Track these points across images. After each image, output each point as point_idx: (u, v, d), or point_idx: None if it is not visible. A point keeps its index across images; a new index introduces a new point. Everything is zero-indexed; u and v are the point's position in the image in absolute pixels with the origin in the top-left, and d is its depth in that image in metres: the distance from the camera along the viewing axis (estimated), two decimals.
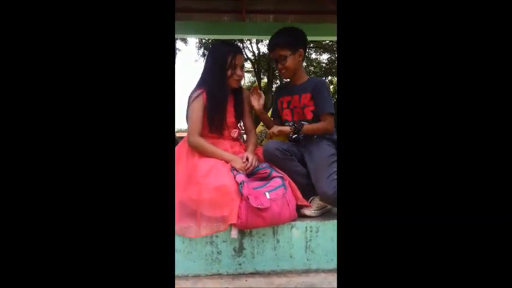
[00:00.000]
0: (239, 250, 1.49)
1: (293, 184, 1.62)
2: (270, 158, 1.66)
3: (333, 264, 1.53)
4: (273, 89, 16.55)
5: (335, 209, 1.73)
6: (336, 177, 1.56)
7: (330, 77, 15.74)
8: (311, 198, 1.65)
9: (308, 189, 1.66)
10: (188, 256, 1.46)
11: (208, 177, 1.49)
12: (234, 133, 1.80)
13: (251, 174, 1.61)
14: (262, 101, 1.83)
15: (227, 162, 1.59)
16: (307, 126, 1.70)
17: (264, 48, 15.04)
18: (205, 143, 1.65)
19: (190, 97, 1.70)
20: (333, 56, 13.82)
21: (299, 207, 1.61)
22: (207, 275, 1.47)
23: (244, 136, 1.97)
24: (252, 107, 1.84)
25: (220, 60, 1.68)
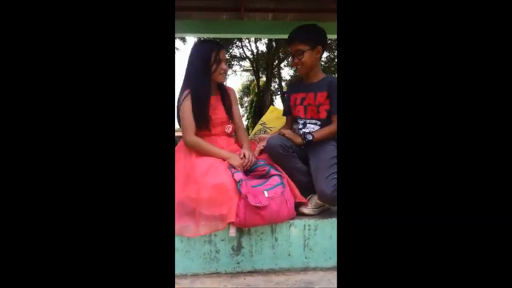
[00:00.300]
0: (237, 249, 1.49)
1: (291, 182, 1.62)
2: (272, 153, 1.66)
3: (332, 262, 1.53)
4: (272, 88, 16.58)
5: (334, 208, 1.73)
6: (335, 177, 1.56)
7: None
8: (309, 196, 1.65)
9: (307, 187, 1.66)
10: (186, 255, 1.46)
11: (206, 175, 1.49)
12: (228, 128, 1.80)
13: (249, 171, 1.61)
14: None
15: (224, 160, 1.59)
16: (317, 135, 1.69)
17: (262, 47, 15.04)
18: (202, 142, 1.65)
19: (178, 100, 1.72)
20: (331, 54, 13.82)
21: (298, 206, 1.61)
22: (206, 274, 1.47)
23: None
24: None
25: (205, 57, 1.69)
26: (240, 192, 1.41)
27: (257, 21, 4.45)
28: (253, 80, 18.59)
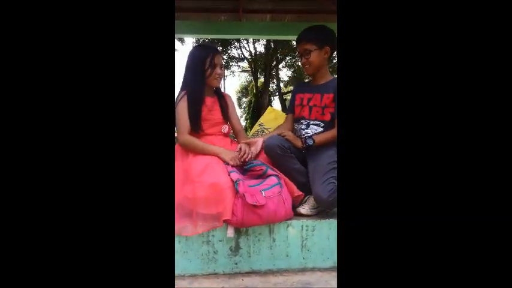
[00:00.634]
0: (235, 249, 1.49)
1: (289, 182, 1.62)
2: (270, 154, 1.66)
3: (329, 262, 1.53)
4: (270, 88, 16.59)
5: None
6: (333, 181, 1.56)
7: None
8: (307, 197, 1.66)
9: (305, 188, 1.66)
10: (184, 256, 1.46)
11: (202, 175, 1.50)
12: (224, 128, 1.83)
13: (246, 171, 1.61)
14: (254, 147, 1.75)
15: (216, 155, 1.61)
16: (318, 139, 1.68)
17: (261, 48, 15.06)
18: (194, 140, 1.68)
19: (176, 100, 1.76)
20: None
21: (295, 206, 1.62)
22: (204, 275, 1.47)
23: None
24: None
25: (200, 62, 1.74)
26: (237, 192, 1.41)
27: (255, 22, 4.46)
28: (252, 81, 18.60)
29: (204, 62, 1.73)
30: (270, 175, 1.57)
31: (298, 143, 1.68)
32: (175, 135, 1.73)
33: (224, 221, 1.41)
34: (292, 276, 1.46)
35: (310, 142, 1.66)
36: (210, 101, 1.79)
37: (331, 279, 1.42)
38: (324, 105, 1.76)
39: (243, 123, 18.18)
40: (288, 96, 17.44)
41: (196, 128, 1.73)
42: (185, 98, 1.73)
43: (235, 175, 1.48)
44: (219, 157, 1.61)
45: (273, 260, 1.51)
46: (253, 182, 1.54)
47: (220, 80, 1.82)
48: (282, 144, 1.63)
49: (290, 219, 1.54)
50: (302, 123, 1.83)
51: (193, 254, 1.47)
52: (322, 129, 1.77)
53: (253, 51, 15.11)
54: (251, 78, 18.28)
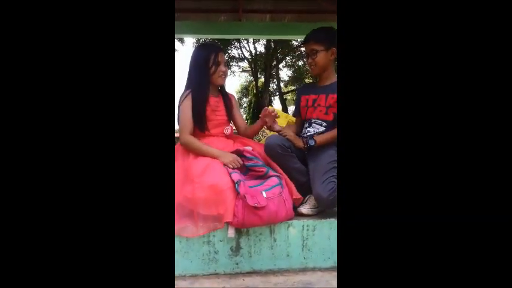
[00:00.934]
0: (236, 249, 1.49)
1: (289, 182, 1.62)
2: (270, 153, 1.66)
3: (330, 262, 1.53)
4: (270, 88, 16.58)
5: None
6: (333, 180, 1.56)
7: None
8: (307, 197, 1.66)
9: (305, 188, 1.67)
10: (185, 256, 1.46)
11: (203, 176, 1.50)
12: (227, 130, 1.83)
13: (247, 171, 1.61)
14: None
15: (215, 158, 1.60)
16: (320, 139, 1.69)
17: (261, 48, 15.05)
18: (195, 141, 1.67)
19: (179, 99, 1.76)
20: None
21: (296, 206, 1.62)
22: (204, 275, 1.47)
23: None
24: (274, 130, 1.78)
25: (204, 61, 1.74)
26: (238, 193, 1.41)
27: (255, 23, 4.46)
28: (252, 81, 18.60)
29: (208, 60, 1.73)
30: (271, 176, 1.57)
31: (300, 143, 1.68)
32: (177, 134, 1.73)
33: (225, 222, 1.41)
34: (293, 276, 1.47)
35: (312, 143, 1.66)
36: (214, 101, 1.78)
37: (332, 279, 1.42)
38: (329, 105, 1.77)
39: None
40: (288, 96, 17.45)
41: (201, 127, 1.72)
42: (189, 97, 1.72)
43: (236, 176, 1.48)
44: (218, 160, 1.61)
45: (274, 260, 1.51)
46: (254, 182, 1.54)
47: (225, 77, 1.82)
48: (282, 144, 1.63)
49: (291, 219, 1.54)
50: (306, 122, 1.85)
51: (194, 254, 1.47)
52: (324, 128, 1.77)
53: (253, 51, 15.11)
54: (251, 78, 18.28)
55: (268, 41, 13.11)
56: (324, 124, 1.78)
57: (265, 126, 1.84)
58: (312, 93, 1.86)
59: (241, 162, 1.61)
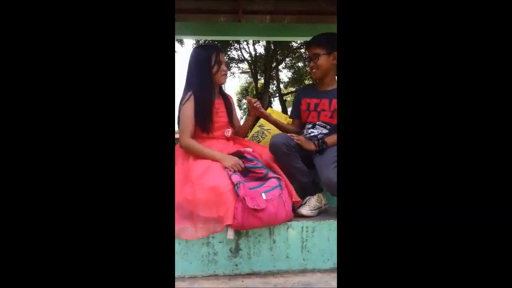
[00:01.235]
0: (235, 251, 1.49)
1: (289, 184, 1.62)
2: (275, 152, 1.66)
3: (330, 264, 1.53)
4: (270, 90, 16.58)
5: (331, 209, 1.73)
6: None
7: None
8: (307, 198, 1.66)
9: (307, 188, 1.67)
10: (185, 257, 1.46)
11: (203, 178, 1.50)
12: (228, 132, 1.82)
13: (247, 172, 1.61)
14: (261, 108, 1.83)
15: (217, 161, 1.60)
16: (330, 141, 1.71)
17: (260, 49, 15.07)
18: (195, 144, 1.66)
19: (180, 102, 1.74)
20: None
21: (296, 207, 1.61)
22: (204, 276, 1.47)
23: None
24: (262, 116, 1.85)
25: (205, 61, 1.72)
26: (238, 195, 1.41)
27: (255, 24, 4.46)
28: (252, 82, 18.61)
29: (210, 60, 1.71)
30: (271, 177, 1.56)
31: (311, 146, 1.70)
32: (177, 136, 1.72)
33: (225, 225, 1.41)
34: (293, 277, 1.46)
35: (324, 146, 1.69)
36: (216, 103, 1.78)
37: (332, 280, 1.41)
38: (334, 110, 1.80)
39: None
40: (288, 98, 17.45)
41: (205, 129, 1.71)
42: (191, 98, 1.69)
43: (236, 177, 1.48)
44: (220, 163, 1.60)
45: (273, 261, 1.51)
46: (253, 184, 1.54)
47: (227, 77, 1.82)
48: (287, 143, 1.63)
49: (290, 220, 1.53)
50: (309, 124, 1.86)
51: (194, 255, 1.47)
52: (327, 130, 1.80)
53: (253, 53, 15.12)
54: (251, 79, 18.29)
55: (268, 42, 13.12)
56: (328, 127, 1.81)
57: (265, 128, 1.84)
58: (314, 97, 1.87)
59: (243, 166, 1.60)
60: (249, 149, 1.68)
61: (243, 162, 1.62)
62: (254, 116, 1.85)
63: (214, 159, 1.61)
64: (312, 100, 1.86)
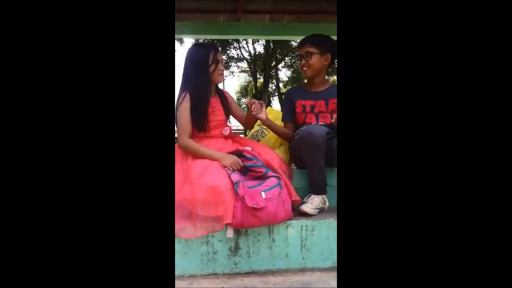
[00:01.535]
0: (235, 250, 1.49)
1: (288, 183, 1.62)
2: (310, 142, 1.60)
3: (329, 262, 1.53)
4: (269, 89, 16.58)
5: (330, 208, 1.73)
6: None
7: (327, 77, 15.81)
8: (310, 197, 1.66)
9: (317, 187, 1.66)
10: (184, 256, 1.47)
11: (201, 177, 1.49)
12: (226, 131, 1.82)
13: (246, 171, 1.61)
14: (265, 110, 1.80)
15: (216, 160, 1.59)
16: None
17: (260, 48, 15.06)
18: (193, 144, 1.66)
19: (177, 102, 1.73)
20: None
21: (299, 205, 1.62)
22: (203, 275, 1.47)
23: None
24: (260, 119, 1.80)
25: (203, 59, 1.71)
26: (237, 194, 1.41)
27: (254, 23, 4.46)
28: (251, 81, 18.60)
29: (207, 59, 1.70)
30: (270, 176, 1.57)
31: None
32: (176, 136, 1.72)
33: (225, 224, 1.41)
34: (292, 276, 1.47)
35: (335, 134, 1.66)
36: (213, 101, 1.76)
37: (331, 279, 1.42)
38: (332, 111, 1.81)
39: None
40: None
41: (201, 128, 1.70)
42: (187, 99, 1.68)
43: (236, 176, 1.48)
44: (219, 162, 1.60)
45: (273, 260, 1.51)
46: (253, 183, 1.54)
47: (223, 76, 1.81)
48: (324, 136, 1.59)
49: (290, 219, 1.54)
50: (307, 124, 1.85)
51: (193, 254, 1.47)
52: (329, 129, 1.80)
53: (252, 52, 15.12)
54: (250, 78, 18.28)
55: (267, 41, 13.11)
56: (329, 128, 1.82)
57: (264, 127, 1.84)
58: (308, 98, 1.87)
59: (242, 164, 1.60)
60: (248, 148, 1.68)
61: (242, 161, 1.61)
62: (253, 118, 1.82)
63: (213, 159, 1.60)
64: (307, 102, 1.86)
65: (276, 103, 17.83)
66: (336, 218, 1.54)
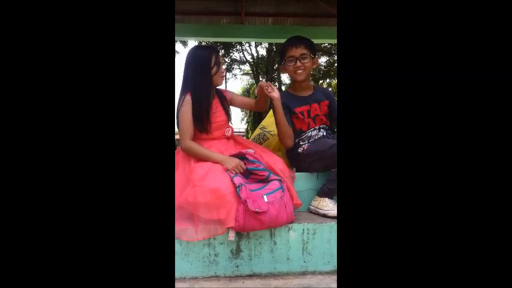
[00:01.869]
0: (236, 252, 1.49)
1: (291, 186, 1.62)
2: (333, 151, 1.67)
3: (330, 266, 1.53)
4: None
5: None
6: None
7: (328, 80, 15.80)
8: (322, 200, 1.69)
9: (332, 189, 1.68)
10: (185, 258, 1.47)
11: (204, 180, 1.49)
12: (228, 131, 1.81)
13: (249, 174, 1.61)
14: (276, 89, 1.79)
15: (219, 163, 1.59)
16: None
17: (262, 51, 15.07)
18: (196, 146, 1.65)
19: (178, 104, 1.73)
20: (331, 58, 13.87)
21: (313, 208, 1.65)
22: (205, 277, 1.47)
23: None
24: (272, 98, 1.78)
25: (205, 61, 1.71)
26: (239, 197, 1.41)
27: (257, 26, 4.48)
28: (253, 84, 18.61)
29: (209, 61, 1.69)
30: (273, 179, 1.57)
31: None
32: (178, 138, 1.72)
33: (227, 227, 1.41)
34: (293, 279, 1.47)
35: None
36: (213, 103, 1.76)
37: (332, 283, 1.42)
38: (325, 113, 1.89)
39: (244, 126, 18.18)
40: None
41: (203, 130, 1.70)
42: (189, 101, 1.68)
43: (239, 179, 1.48)
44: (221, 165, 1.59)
45: (274, 263, 1.51)
46: (255, 186, 1.54)
47: (224, 78, 1.83)
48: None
49: (291, 222, 1.54)
50: (311, 131, 1.89)
51: (195, 256, 1.47)
52: (329, 131, 1.92)
53: (255, 54, 15.13)
54: (253, 81, 18.29)
55: (270, 44, 13.13)
56: (326, 128, 1.93)
57: (266, 129, 1.84)
58: (303, 104, 1.89)
59: (245, 167, 1.60)
60: (251, 151, 1.68)
61: (244, 163, 1.61)
62: (264, 95, 1.78)
63: (215, 162, 1.60)
64: (302, 108, 1.88)
65: None
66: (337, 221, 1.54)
